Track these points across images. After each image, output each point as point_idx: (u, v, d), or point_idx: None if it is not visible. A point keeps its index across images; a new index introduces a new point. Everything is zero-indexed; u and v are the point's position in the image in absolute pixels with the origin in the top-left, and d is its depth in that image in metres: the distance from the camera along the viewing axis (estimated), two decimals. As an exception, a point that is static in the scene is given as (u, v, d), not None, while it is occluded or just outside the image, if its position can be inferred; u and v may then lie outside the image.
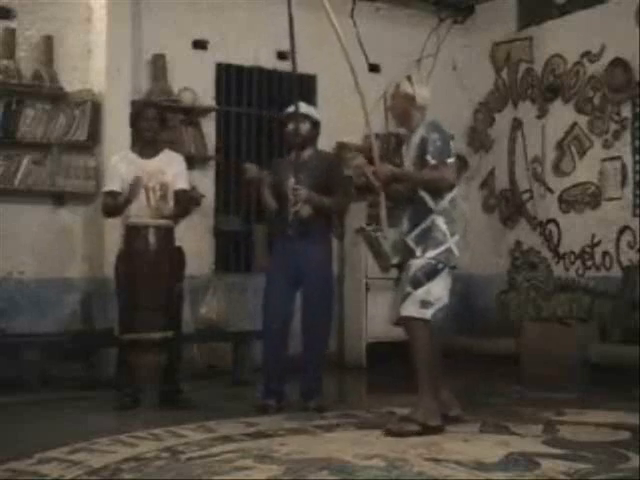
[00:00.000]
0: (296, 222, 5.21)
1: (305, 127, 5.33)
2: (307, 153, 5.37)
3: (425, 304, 4.48)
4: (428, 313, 4.49)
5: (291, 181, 5.25)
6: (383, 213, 4.76)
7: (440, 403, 4.54)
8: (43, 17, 6.88)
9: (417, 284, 4.49)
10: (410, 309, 4.50)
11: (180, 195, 5.58)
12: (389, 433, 4.38)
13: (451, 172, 4.58)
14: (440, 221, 4.55)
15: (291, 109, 5.34)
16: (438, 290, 4.52)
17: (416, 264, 4.52)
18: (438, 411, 4.48)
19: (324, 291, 5.34)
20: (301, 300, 5.36)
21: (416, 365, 4.50)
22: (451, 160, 4.57)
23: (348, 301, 7.95)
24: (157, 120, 5.61)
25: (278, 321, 5.27)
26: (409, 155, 4.72)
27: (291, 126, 5.34)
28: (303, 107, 5.38)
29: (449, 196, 4.61)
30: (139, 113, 5.63)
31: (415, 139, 4.66)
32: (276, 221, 5.42)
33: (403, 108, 4.72)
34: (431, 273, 4.50)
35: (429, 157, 4.52)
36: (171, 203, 5.52)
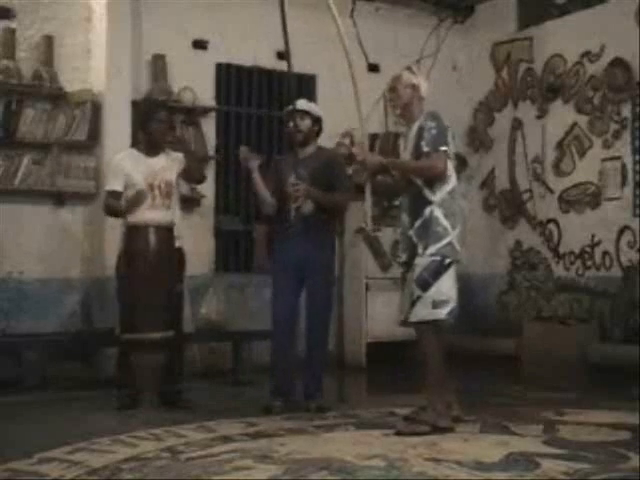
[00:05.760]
0: (298, 219, 5.19)
1: (305, 123, 5.31)
2: (309, 150, 5.35)
3: (438, 304, 4.43)
4: (443, 312, 4.45)
5: (292, 178, 5.24)
6: (368, 207, 4.75)
7: (446, 404, 4.54)
8: (43, 17, 6.89)
9: (425, 285, 4.44)
10: (421, 313, 4.45)
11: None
12: (400, 434, 4.37)
13: (443, 160, 4.50)
14: (439, 213, 4.48)
15: (291, 106, 5.33)
16: (448, 287, 4.48)
17: (420, 264, 4.47)
18: (447, 412, 4.48)
19: (326, 290, 5.33)
20: (305, 298, 5.33)
21: (427, 368, 4.49)
22: (445, 149, 4.50)
23: (348, 301, 7.95)
24: (167, 122, 5.64)
25: (285, 321, 5.25)
26: (407, 147, 4.69)
27: (291, 123, 5.33)
28: (303, 103, 5.39)
29: (447, 187, 4.54)
30: (150, 114, 5.59)
31: (413, 130, 4.63)
32: (278, 219, 5.41)
33: (408, 98, 4.66)
34: (437, 271, 4.44)
35: (423, 144, 4.50)
36: (174, 200, 5.53)
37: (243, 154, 5.42)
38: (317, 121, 5.39)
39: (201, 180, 6.10)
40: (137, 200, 5.30)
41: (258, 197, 5.46)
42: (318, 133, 5.44)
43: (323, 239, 5.33)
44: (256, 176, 5.35)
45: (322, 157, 5.40)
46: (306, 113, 5.33)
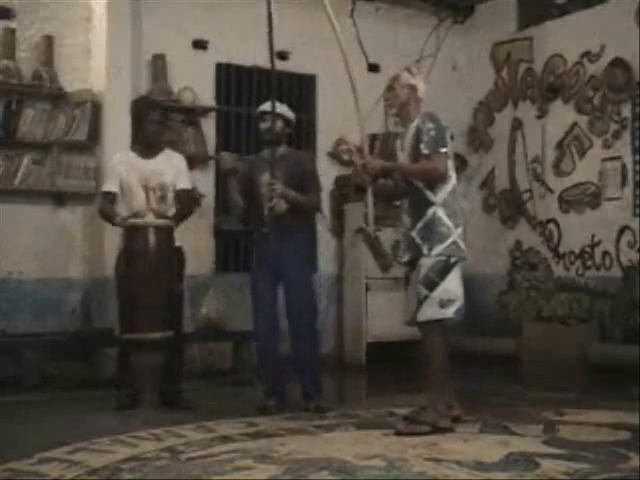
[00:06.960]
0: (271, 218, 5.19)
1: (278, 125, 5.35)
2: (280, 150, 5.36)
3: (445, 303, 4.44)
4: (449, 312, 4.46)
5: (266, 177, 5.24)
6: (371, 210, 4.76)
7: (447, 404, 4.54)
8: (43, 17, 6.89)
9: (432, 285, 4.45)
10: (428, 313, 4.46)
11: (182, 195, 5.57)
12: (400, 434, 4.37)
13: (444, 162, 4.51)
14: (442, 213, 4.50)
15: (264, 107, 5.36)
16: (455, 285, 4.50)
17: (426, 264, 4.47)
18: (448, 413, 4.48)
19: (304, 287, 5.33)
20: (283, 297, 5.34)
21: (430, 368, 4.50)
22: (445, 150, 4.52)
23: (348, 301, 7.96)
24: (161, 122, 5.63)
25: (268, 320, 5.27)
26: (404, 147, 4.69)
27: (265, 124, 5.35)
28: (277, 106, 5.40)
29: (448, 187, 4.55)
30: (143, 113, 5.59)
31: (411, 131, 4.64)
32: (252, 218, 5.42)
33: (406, 98, 4.67)
34: (443, 270, 4.46)
35: (422, 146, 4.50)
36: (171, 203, 5.51)
37: (225, 165, 5.35)
38: (288, 123, 5.44)
39: (185, 217, 5.68)
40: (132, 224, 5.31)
41: (231, 199, 5.43)
42: (288, 135, 5.49)
43: (297, 237, 5.35)
44: (231, 185, 5.35)
45: (294, 158, 5.44)
46: (279, 115, 5.35)
